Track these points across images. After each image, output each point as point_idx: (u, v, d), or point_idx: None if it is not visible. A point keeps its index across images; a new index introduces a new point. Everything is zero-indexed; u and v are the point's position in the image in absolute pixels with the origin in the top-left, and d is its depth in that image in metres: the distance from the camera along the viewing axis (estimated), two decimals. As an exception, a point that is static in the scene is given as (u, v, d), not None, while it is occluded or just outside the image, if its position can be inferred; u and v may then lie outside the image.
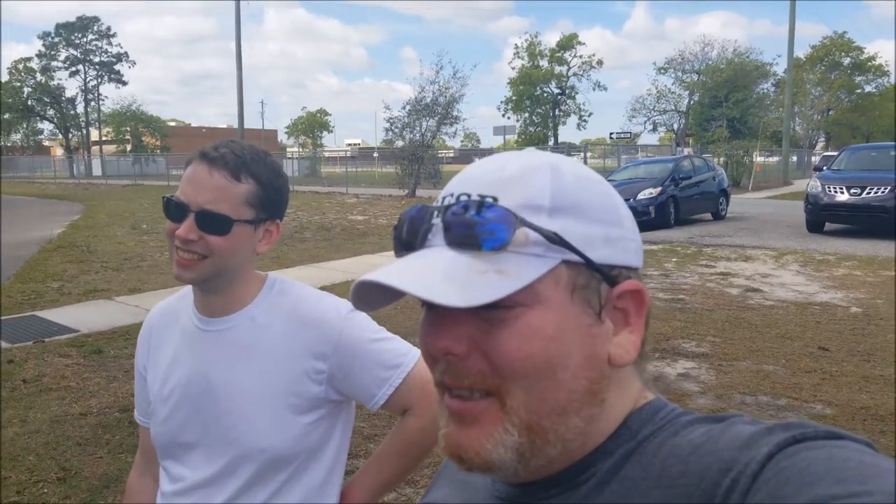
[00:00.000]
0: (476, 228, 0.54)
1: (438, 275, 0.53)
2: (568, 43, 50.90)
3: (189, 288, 1.33)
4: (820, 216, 12.94)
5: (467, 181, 0.59)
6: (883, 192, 12.09)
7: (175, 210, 1.17)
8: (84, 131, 60.10)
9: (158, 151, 55.45)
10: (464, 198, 0.56)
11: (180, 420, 1.24)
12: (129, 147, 58.11)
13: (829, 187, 12.72)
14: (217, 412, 1.21)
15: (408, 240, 0.59)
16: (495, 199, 0.55)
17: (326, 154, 55.33)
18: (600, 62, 51.70)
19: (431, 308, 0.58)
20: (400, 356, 1.24)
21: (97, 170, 49.27)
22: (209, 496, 1.21)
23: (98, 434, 4.00)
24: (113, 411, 4.33)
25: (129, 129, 57.71)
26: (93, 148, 60.13)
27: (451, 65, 29.93)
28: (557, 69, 51.28)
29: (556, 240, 0.55)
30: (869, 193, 12.24)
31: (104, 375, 5.01)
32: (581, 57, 51.07)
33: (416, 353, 1.25)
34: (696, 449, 0.52)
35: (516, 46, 52.16)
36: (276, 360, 1.21)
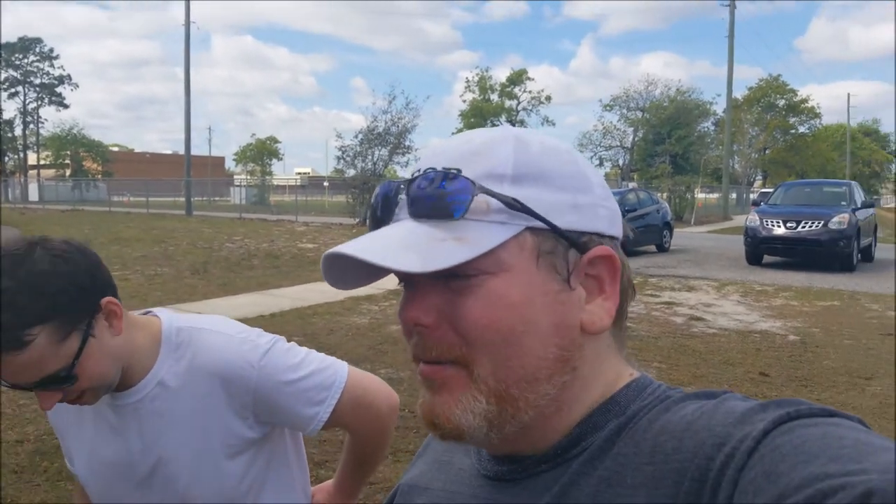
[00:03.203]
0: (436, 199, 0.55)
1: (397, 244, 0.55)
2: (518, 78, 51.98)
3: None
4: (758, 249, 13.44)
5: (435, 155, 0.60)
6: (816, 227, 12.67)
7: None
8: (21, 154, 58.14)
9: (100, 177, 53.92)
10: (430, 171, 0.57)
11: (117, 494, 1.18)
12: (68, 172, 56.40)
13: (766, 221, 13.26)
14: (155, 483, 1.16)
15: (381, 216, 0.60)
16: (459, 171, 0.56)
17: (276, 182, 54.85)
18: (549, 98, 52.89)
19: (407, 284, 0.59)
20: (324, 389, 1.17)
21: (34, 194, 47.58)
22: None
23: (35, 461, 3.82)
24: (51, 438, 4.14)
25: (69, 153, 56.06)
26: (30, 172, 58.15)
27: (403, 95, 30.06)
28: (508, 103, 52.23)
29: (516, 206, 0.55)
30: (804, 227, 12.80)
31: (41, 402, 4.80)
32: (530, 92, 52.17)
33: (342, 374, 1.20)
34: (689, 425, 0.52)
35: (467, 80, 52.98)
36: (200, 419, 1.14)
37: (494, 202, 0.55)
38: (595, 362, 0.60)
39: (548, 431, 0.59)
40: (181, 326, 1.16)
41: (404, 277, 0.59)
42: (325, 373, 1.18)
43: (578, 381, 0.59)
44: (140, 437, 1.14)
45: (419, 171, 0.59)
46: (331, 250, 0.56)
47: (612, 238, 0.61)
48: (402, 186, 0.59)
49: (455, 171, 0.56)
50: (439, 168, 0.57)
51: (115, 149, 73.69)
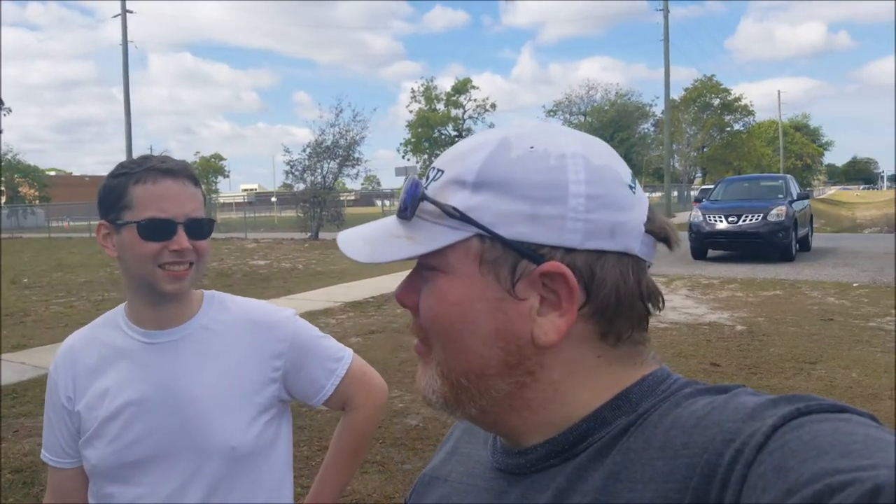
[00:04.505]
0: (403, 199, 0.61)
1: (363, 237, 0.65)
2: (463, 87, 52.40)
3: (107, 314, 1.33)
4: (703, 244, 13.82)
5: (442, 156, 0.64)
6: (756, 220, 13.11)
7: (159, 229, 1.17)
8: (-48, 183, 55.76)
9: (37, 202, 52.06)
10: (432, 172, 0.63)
11: (135, 435, 1.22)
12: (3, 199, 54.29)
13: (709, 217, 13.65)
14: (184, 418, 1.21)
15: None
16: (441, 173, 0.61)
17: (222, 200, 53.91)
18: (493, 105, 53.48)
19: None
20: (341, 350, 1.38)
21: (-33, 224, 45.69)
22: None
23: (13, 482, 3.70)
24: (4, 472, 4.01)
25: (3, 179, 53.98)
26: (-39, 200, 55.82)
27: (350, 108, 29.99)
28: (454, 112, 52.61)
29: (454, 214, 0.58)
30: (744, 221, 13.23)
31: (-9, 437, 4.64)
32: (475, 100, 52.69)
33: (350, 352, 1.41)
34: (699, 420, 0.52)
35: (413, 91, 53.22)
36: (236, 363, 1.26)
37: (440, 208, 0.59)
38: (571, 371, 0.60)
39: (540, 423, 0.61)
40: (220, 293, 1.37)
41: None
42: (338, 344, 1.39)
43: (545, 384, 0.59)
44: (172, 375, 1.23)
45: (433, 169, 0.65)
46: (342, 233, 0.67)
47: (595, 252, 0.57)
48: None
49: (440, 174, 0.61)
50: (436, 169, 0.63)
51: (53, 173, 71.29)
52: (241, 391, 1.24)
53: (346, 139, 23.98)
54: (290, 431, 1.38)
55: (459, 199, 0.58)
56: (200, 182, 1.28)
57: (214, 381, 1.23)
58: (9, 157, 53.58)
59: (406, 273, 0.66)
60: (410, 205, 0.60)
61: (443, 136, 53.92)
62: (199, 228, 1.21)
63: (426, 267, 0.61)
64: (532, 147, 0.58)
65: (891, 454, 0.41)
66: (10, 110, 59.27)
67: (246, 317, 1.30)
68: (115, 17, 35.83)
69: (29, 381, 5.97)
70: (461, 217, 0.58)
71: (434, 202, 0.59)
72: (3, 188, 54.31)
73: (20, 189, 54.84)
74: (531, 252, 0.57)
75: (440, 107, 52.65)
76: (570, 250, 0.57)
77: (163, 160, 1.22)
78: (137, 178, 1.19)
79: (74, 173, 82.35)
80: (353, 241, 0.64)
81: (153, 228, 1.17)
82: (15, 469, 4.04)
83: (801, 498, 0.40)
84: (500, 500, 0.62)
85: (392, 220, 0.64)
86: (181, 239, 1.18)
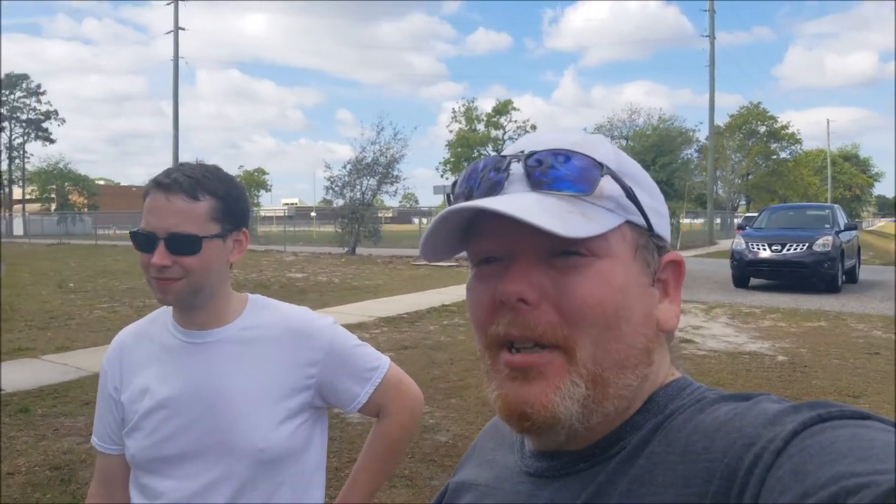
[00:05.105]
0: (563, 173, 0.57)
1: (535, 208, 0.54)
2: (503, 108, 52.56)
3: (158, 311, 1.37)
4: (745, 272, 13.55)
5: (533, 142, 0.61)
6: (801, 249, 12.82)
7: (143, 241, 1.20)
8: (6, 189, 57.82)
9: (85, 210, 53.65)
10: (538, 154, 0.59)
11: (170, 431, 1.25)
12: (54, 206, 56.09)
13: (752, 245, 13.39)
14: (214, 418, 1.24)
15: (491, 185, 0.59)
16: (568, 156, 0.58)
17: (263, 213, 54.86)
18: (534, 127, 53.39)
19: (490, 261, 0.60)
20: (377, 359, 1.36)
21: (18, 229, 47.28)
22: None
23: (27, 493, 3.78)
24: (43, 470, 4.11)
25: (55, 187, 55.81)
26: (14, 207, 57.79)
27: (391, 126, 30.37)
28: (493, 133, 52.78)
29: (631, 195, 0.58)
30: (789, 250, 12.94)
31: (32, 434, 4.75)
32: (516, 122, 52.79)
33: (387, 358, 1.40)
34: (721, 425, 0.52)
35: (454, 111, 53.42)
36: (271, 367, 1.27)
37: (608, 189, 0.57)
38: (659, 360, 0.62)
39: (602, 427, 0.60)
40: (265, 298, 1.38)
41: (503, 253, 0.59)
42: (375, 353, 1.39)
43: (650, 375, 0.61)
44: (207, 375, 1.25)
45: (521, 152, 0.60)
46: (463, 203, 0.56)
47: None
48: (510, 161, 0.59)
49: (581, 153, 0.58)
50: (548, 149, 0.59)
51: (101, 182, 73.46)
52: (272, 395, 1.25)
53: (386, 157, 24.23)
54: (325, 437, 1.39)
55: (607, 186, 0.58)
56: (213, 192, 1.23)
57: (247, 384, 1.25)
58: (60, 165, 55.49)
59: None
60: (592, 180, 0.57)
61: (482, 156, 53.58)
62: (181, 244, 1.19)
63: (573, 252, 0.56)
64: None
65: None
66: (64, 121, 61.24)
67: (285, 323, 1.31)
68: (167, 33, 37.05)
69: (71, 382, 6.12)
70: (633, 200, 0.59)
71: (619, 181, 0.58)
72: (54, 195, 56.18)
73: (70, 197, 56.61)
74: (661, 243, 0.62)
75: (480, 127, 52.88)
76: (668, 245, 0.63)
77: (169, 173, 1.23)
78: (147, 191, 1.24)
79: (122, 183, 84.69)
80: (528, 212, 0.53)
81: (138, 240, 1.22)
82: (54, 466, 4.13)
83: (816, 500, 0.40)
84: (529, 503, 0.62)
85: (540, 195, 0.57)
86: (159, 253, 1.18)
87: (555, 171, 0.57)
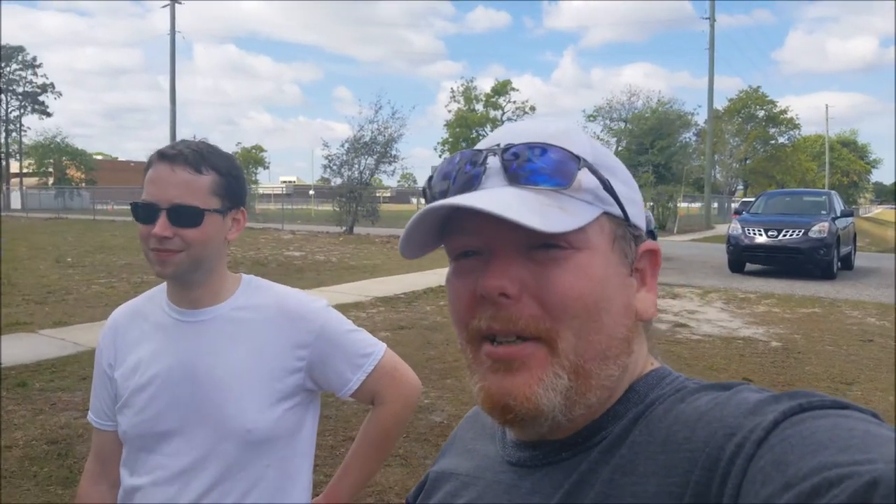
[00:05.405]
0: (540, 167, 0.57)
1: (514, 203, 0.54)
2: (502, 89, 52.28)
3: (154, 289, 1.38)
4: (741, 257, 13.58)
5: (511, 134, 0.61)
6: (797, 235, 12.85)
7: (145, 212, 1.21)
8: (3, 163, 57.48)
9: (83, 185, 53.38)
10: (514, 147, 0.58)
11: (159, 408, 1.26)
12: (51, 180, 55.80)
13: (748, 230, 13.41)
14: (202, 396, 1.25)
15: (468, 181, 0.59)
16: (543, 149, 0.58)
17: (261, 191, 54.67)
18: (533, 108, 53.22)
19: (469, 255, 0.60)
20: (371, 345, 1.35)
21: (16, 203, 47.02)
22: (191, 481, 1.24)
23: (25, 466, 3.81)
24: (40, 444, 4.14)
25: (52, 161, 55.47)
26: (12, 180, 57.50)
27: (389, 105, 30.18)
28: (492, 113, 52.51)
29: (608, 187, 0.59)
30: (785, 236, 12.97)
31: (29, 408, 4.78)
32: (514, 102, 52.52)
33: (383, 345, 1.38)
34: (702, 415, 0.52)
35: (452, 90, 53.13)
36: (260, 348, 1.27)
37: (586, 181, 0.58)
38: (638, 349, 0.63)
39: (583, 417, 0.60)
40: (258, 278, 1.38)
41: (483, 247, 0.58)
42: (370, 338, 1.38)
43: (630, 365, 0.61)
44: (197, 353, 1.25)
45: (497, 145, 0.59)
46: (443, 201, 0.55)
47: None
48: (487, 156, 0.59)
49: (558, 146, 0.58)
50: (524, 143, 0.58)
51: (99, 157, 72.98)
52: (261, 376, 1.26)
53: (384, 136, 24.11)
54: (316, 422, 1.39)
55: (584, 178, 0.59)
56: (217, 168, 1.24)
57: (236, 364, 1.25)
58: (58, 139, 55.14)
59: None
60: (569, 173, 0.57)
61: (480, 137, 53.58)
62: (183, 216, 1.19)
63: (553, 245, 0.56)
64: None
65: (890, 449, 0.41)
66: (61, 94, 60.71)
67: (277, 304, 1.31)
68: (164, 6, 36.62)
69: (68, 357, 6.14)
70: (610, 191, 0.59)
71: (596, 174, 0.58)
72: (52, 170, 55.87)
73: (67, 171, 56.32)
74: (637, 232, 0.62)
75: (479, 107, 52.61)
76: (644, 233, 0.64)
77: (174, 146, 1.24)
78: (149, 163, 1.25)
79: (120, 158, 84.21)
80: (507, 207, 0.53)
81: (139, 211, 1.22)
82: (51, 440, 4.17)
83: (798, 491, 0.40)
84: (509, 493, 0.62)
85: (517, 189, 0.57)
86: (161, 224, 1.19)
87: (531, 165, 0.57)
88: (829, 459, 0.41)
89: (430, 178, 0.63)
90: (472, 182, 0.59)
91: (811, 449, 0.43)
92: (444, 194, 0.60)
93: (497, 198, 0.55)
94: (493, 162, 0.59)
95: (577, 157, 0.58)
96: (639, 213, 0.63)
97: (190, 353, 1.27)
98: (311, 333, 1.30)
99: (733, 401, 0.52)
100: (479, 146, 0.62)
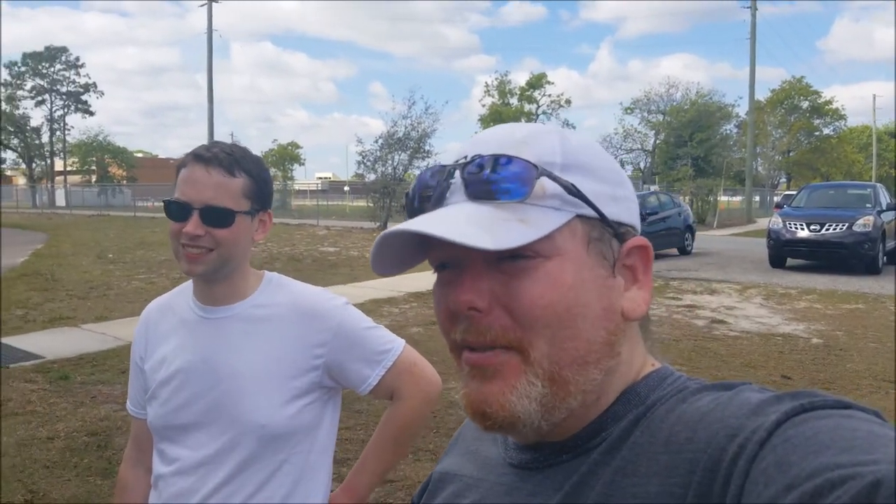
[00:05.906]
0: (498, 181, 0.56)
1: (464, 222, 0.55)
2: (537, 82, 51.90)
3: (184, 284, 1.41)
4: (782, 252, 13.31)
5: (479, 144, 0.61)
6: (841, 229, 12.52)
7: (178, 210, 1.24)
8: (48, 161, 59.17)
9: (125, 182, 54.63)
10: (488, 156, 0.58)
11: (181, 401, 1.30)
12: (94, 178, 57.22)
13: (790, 224, 13.12)
14: (220, 391, 1.28)
15: (433, 199, 0.60)
16: (507, 159, 0.57)
17: (297, 187, 55.26)
18: (568, 101, 52.68)
19: (446, 267, 0.60)
20: (389, 342, 1.36)
21: (60, 200, 48.36)
22: (209, 473, 1.27)
23: (66, 457, 3.93)
24: (81, 435, 4.26)
25: (95, 159, 56.86)
26: (56, 178, 59.15)
27: (422, 100, 30.21)
28: (527, 107, 52.21)
29: (573, 191, 0.57)
30: (827, 230, 12.65)
31: (71, 401, 4.92)
32: (550, 96, 52.12)
33: (402, 341, 1.39)
34: (703, 416, 0.52)
35: (486, 85, 52.91)
36: (278, 346, 1.29)
37: (550, 187, 0.57)
38: (629, 348, 0.62)
39: (579, 422, 0.60)
40: (280, 276, 1.41)
41: (453, 260, 0.59)
42: (389, 335, 1.39)
43: (619, 367, 0.60)
44: (217, 349, 1.29)
45: (464, 157, 0.60)
46: (394, 228, 0.56)
47: (636, 230, 0.63)
48: (451, 171, 0.60)
49: (515, 156, 0.57)
50: (487, 155, 0.58)
51: (140, 155, 74.58)
52: (279, 373, 1.28)
53: (418, 131, 24.20)
54: (336, 418, 1.40)
55: (548, 186, 0.58)
56: (248, 172, 1.28)
57: (254, 360, 1.28)
58: (100, 138, 56.51)
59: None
60: (527, 184, 0.56)
61: (516, 132, 53.13)
62: (215, 216, 1.23)
63: (519, 255, 0.56)
64: (579, 137, 0.62)
65: (892, 450, 0.40)
66: (103, 93, 62.19)
67: (296, 302, 1.33)
68: (201, 6, 37.25)
69: (108, 351, 6.31)
70: (577, 195, 0.57)
71: (558, 180, 0.57)
72: (94, 167, 57.31)
73: (109, 169, 57.69)
74: (620, 230, 0.60)
75: (513, 101, 52.35)
76: (634, 228, 0.62)
77: (209, 148, 1.27)
78: (183, 163, 1.28)
79: (160, 156, 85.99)
80: (456, 228, 0.54)
81: (172, 209, 1.25)
82: (91, 432, 4.28)
83: (801, 492, 0.40)
84: (511, 495, 0.63)
85: (475, 205, 0.57)
86: (193, 223, 1.22)
87: (493, 176, 0.57)
88: (832, 460, 0.41)
89: (407, 194, 0.64)
90: (439, 199, 0.60)
91: (814, 449, 0.43)
92: (420, 209, 0.61)
93: (450, 218, 0.56)
94: (457, 177, 0.59)
95: (535, 167, 0.57)
96: (624, 209, 0.62)
97: (210, 350, 1.30)
98: (329, 331, 1.31)
99: (735, 401, 0.52)
100: (446, 159, 0.62)
